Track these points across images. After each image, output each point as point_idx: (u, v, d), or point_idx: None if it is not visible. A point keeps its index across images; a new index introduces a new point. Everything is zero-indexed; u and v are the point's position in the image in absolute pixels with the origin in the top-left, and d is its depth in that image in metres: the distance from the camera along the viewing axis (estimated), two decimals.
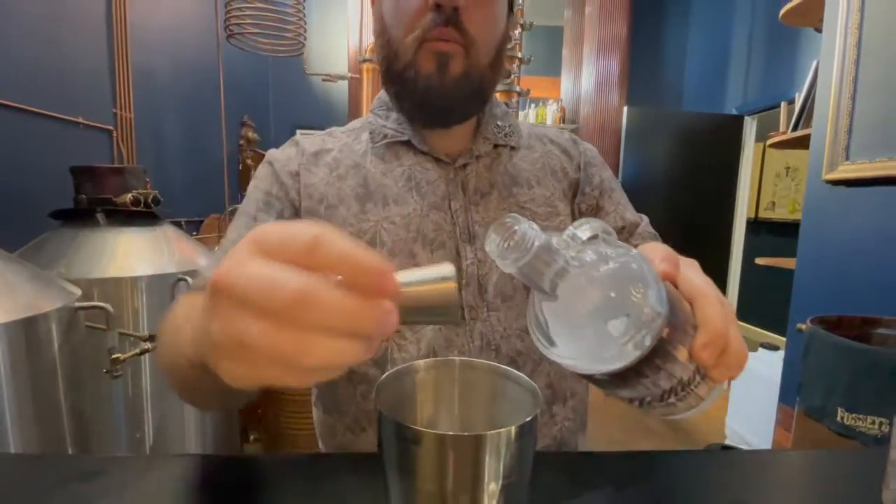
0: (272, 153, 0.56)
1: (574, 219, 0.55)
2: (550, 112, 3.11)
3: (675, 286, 0.27)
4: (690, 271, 0.28)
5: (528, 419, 0.20)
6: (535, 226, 0.23)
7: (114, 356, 0.86)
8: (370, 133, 0.55)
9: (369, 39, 2.62)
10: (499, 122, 0.56)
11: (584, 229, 0.25)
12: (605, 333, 0.23)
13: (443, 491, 0.19)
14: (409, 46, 0.46)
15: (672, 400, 0.25)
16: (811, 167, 1.35)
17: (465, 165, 0.53)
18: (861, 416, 0.89)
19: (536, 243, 0.22)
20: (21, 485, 0.37)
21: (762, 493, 0.37)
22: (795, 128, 1.46)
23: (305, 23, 1.86)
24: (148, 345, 0.96)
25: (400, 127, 0.53)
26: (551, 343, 0.25)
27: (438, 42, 0.45)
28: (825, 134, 1.30)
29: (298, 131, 2.94)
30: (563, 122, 3.00)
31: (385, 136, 0.54)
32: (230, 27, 1.73)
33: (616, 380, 0.25)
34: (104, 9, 1.58)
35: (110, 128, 1.60)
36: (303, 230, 0.18)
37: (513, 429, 0.20)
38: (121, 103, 1.66)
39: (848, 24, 1.25)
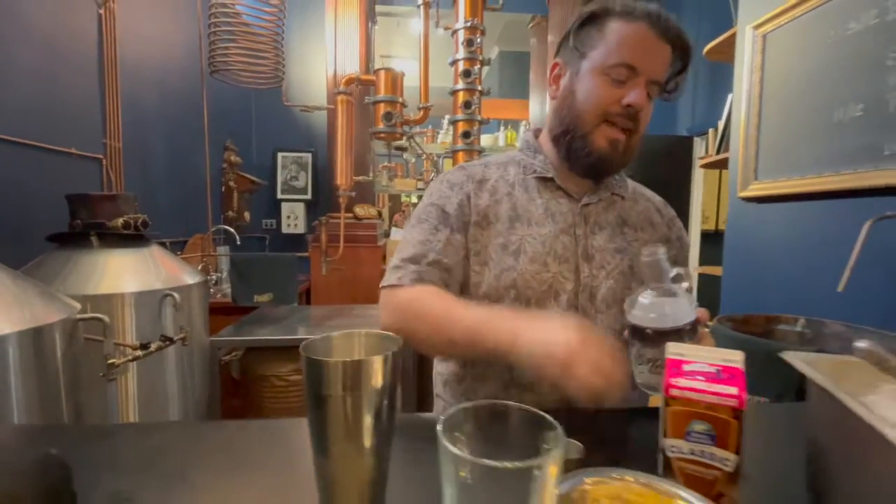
0: (449, 177, 0.77)
1: None
2: (520, 134, 3.31)
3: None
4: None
5: (391, 353, 0.35)
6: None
7: (110, 361, 0.97)
8: (522, 167, 0.76)
9: (344, 72, 2.80)
10: (616, 177, 0.77)
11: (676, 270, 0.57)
12: (667, 313, 0.54)
13: (339, 400, 0.33)
14: (593, 121, 0.68)
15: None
16: (730, 185, 1.55)
17: (588, 204, 0.73)
18: (758, 399, 1.04)
19: (665, 258, 0.56)
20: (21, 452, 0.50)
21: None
22: (718, 151, 1.65)
23: (284, 58, 2.02)
24: (139, 353, 1.07)
25: (544, 166, 0.75)
26: (637, 310, 0.56)
27: (618, 128, 0.67)
28: (738, 157, 1.49)
29: (279, 154, 3.08)
30: None
31: (535, 171, 0.75)
32: (214, 63, 1.88)
33: (654, 338, 0.53)
34: (96, 48, 1.72)
35: (100, 156, 1.73)
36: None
37: (377, 359, 0.34)
38: (110, 133, 1.78)
39: (752, 63, 1.45)
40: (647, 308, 0.56)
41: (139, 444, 0.52)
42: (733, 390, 0.39)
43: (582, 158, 0.70)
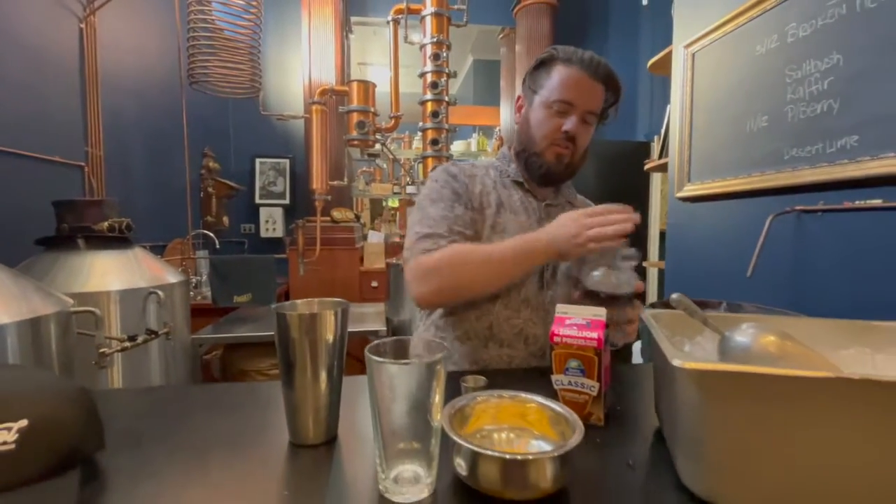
0: (449, 168, 0.94)
1: None
2: (491, 140, 3.47)
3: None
4: None
5: (341, 309, 0.48)
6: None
7: (101, 350, 1.06)
8: (498, 172, 0.96)
9: (321, 80, 2.91)
10: (568, 189, 1.01)
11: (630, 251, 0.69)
12: (616, 283, 0.67)
13: (299, 342, 0.46)
14: (543, 144, 0.87)
15: (616, 331, 0.64)
16: (670, 187, 1.72)
17: (550, 204, 0.94)
18: None
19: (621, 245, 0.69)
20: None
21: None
22: (660, 155, 1.83)
23: (260, 69, 2.12)
24: (127, 344, 1.16)
25: (516, 173, 0.94)
26: (593, 278, 0.69)
27: (561, 147, 0.87)
28: (675, 161, 1.66)
29: (258, 160, 3.16)
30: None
31: (509, 176, 0.94)
32: (193, 74, 1.97)
33: (605, 301, 0.64)
34: (77, 60, 1.80)
35: (82, 164, 1.80)
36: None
37: (328, 312, 0.47)
38: (92, 142, 1.86)
39: (684, 78, 1.63)
40: (602, 277, 0.70)
41: (142, 397, 0.64)
42: (595, 335, 0.53)
43: (536, 170, 0.90)
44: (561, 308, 0.58)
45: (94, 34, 1.86)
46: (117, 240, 1.44)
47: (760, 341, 0.45)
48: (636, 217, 0.69)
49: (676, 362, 0.37)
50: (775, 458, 0.36)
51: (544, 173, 0.89)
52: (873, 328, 0.54)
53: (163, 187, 2.46)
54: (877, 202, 1.03)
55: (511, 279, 0.81)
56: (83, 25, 1.82)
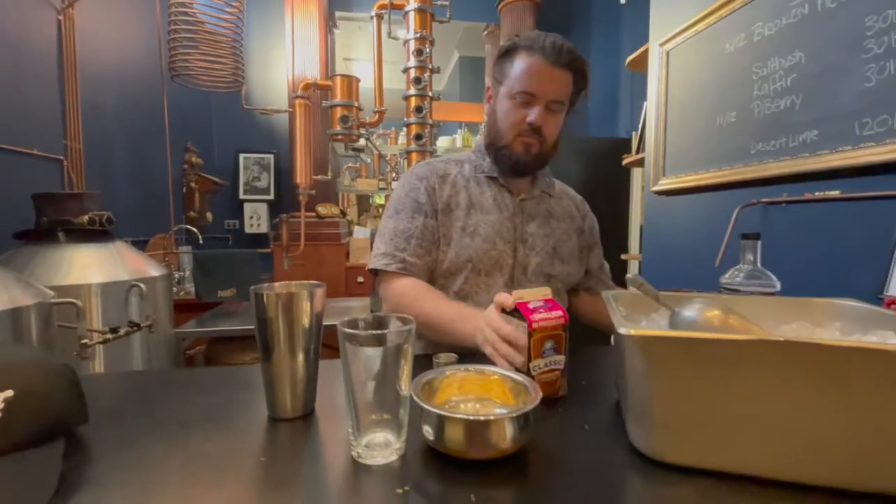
0: (417, 171, 0.94)
1: (580, 245, 0.99)
2: (476, 137, 3.50)
3: None
4: None
5: (316, 289, 0.50)
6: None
7: (83, 341, 1.07)
8: (472, 167, 0.95)
9: (305, 75, 2.90)
10: (546, 179, 0.98)
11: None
12: None
13: (276, 320, 0.48)
14: (509, 136, 0.86)
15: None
16: (646, 181, 1.77)
17: (524, 199, 0.93)
18: None
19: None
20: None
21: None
22: (637, 151, 1.88)
23: (243, 63, 2.12)
24: (109, 335, 1.17)
25: (490, 168, 0.93)
26: None
27: (527, 139, 0.85)
28: (651, 156, 1.71)
29: (241, 155, 3.15)
30: None
31: (483, 171, 0.93)
32: (174, 67, 1.96)
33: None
34: (55, 53, 1.78)
35: (61, 157, 1.78)
36: (507, 328, 0.60)
37: (304, 292, 0.49)
38: (71, 135, 1.84)
39: (660, 75, 1.68)
40: None
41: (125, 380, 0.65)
42: (560, 312, 0.56)
43: (506, 161, 0.90)
44: (516, 294, 0.61)
45: (73, 26, 1.84)
46: (98, 233, 1.43)
47: (706, 315, 0.48)
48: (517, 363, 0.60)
49: (623, 330, 0.40)
50: (711, 417, 0.39)
51: (514, 165, 0.89)
52: (814, 304, 0.58)
53: (144, 182, 2.44)
54: (835, 193, 1.08)
55: (446, 339, 0.77)
56: (61, 17, 1.80)
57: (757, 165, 1.27)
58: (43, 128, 1.71)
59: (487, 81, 0.94)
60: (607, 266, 1.07)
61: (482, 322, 0.66)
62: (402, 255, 0.87)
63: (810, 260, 1.14)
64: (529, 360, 0.57)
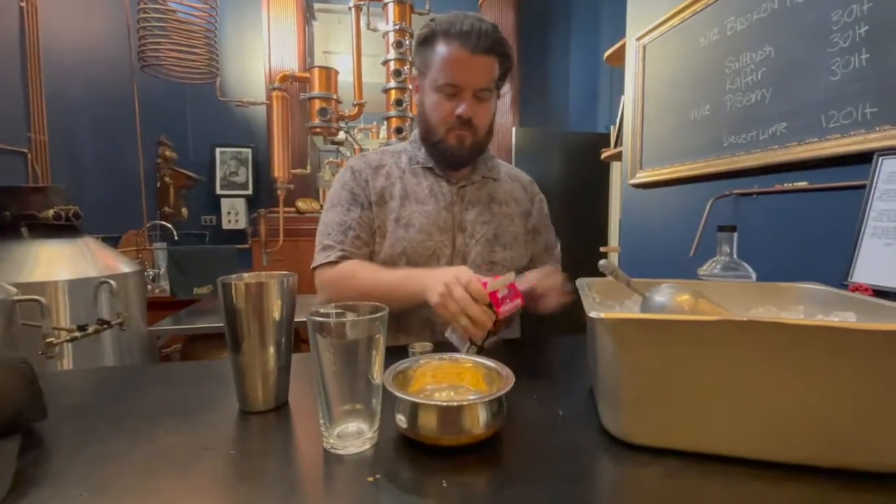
0: (351, 164, 0.91)
1: (525, 229, 0.96)
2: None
3: None
4: None
5: (287, 279, 0.49)
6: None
7: (48, 340, 1.03)
8: (409, 158, 0.92)
9: (282, 67, 2.85)
10: (488, 163, 0.95)
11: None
12: None
13: (245, 311, 0.47)
14: (441, 130, 0.84)
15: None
16: (623, 174, 1.79)
17: (463, 186, 0.90)
18: None
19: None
20: None
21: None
22: (615, 145, 1.90)
23: (217, 53, 2.07)
24: (77, 333, 1.13)
25: (427, 158, 0.91)
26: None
27: (459, 131, 0.83)
28: (628, 150, 1.74)
29: (218, 149, 3.08)
30: None
31: (419, 162, 0.91)
32: (144, 57, 1.90)
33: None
34: (17, 42, 1.70)
35: (25, 150, 1.71)
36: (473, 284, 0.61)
37: (274, 282, 0.48)
38: (35, 127, 1.77)
39: (636, 70, 1.70)
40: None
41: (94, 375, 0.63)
42: (519, 300, 0.60)
43: (439, 155, 0.88)
44: (490, 286, 0.63)
45: (36, 13, 1.77)
46: (64, 228, 1.38)
47: (676, 300, 0.49)
48: (484, 328, 0.62)
49: (594, 314, 0.40)
50: (679, 398, 0.40)
51: (449, 158, 0.87)
52: (780, 289, 0.59)
53: (115, 176, 2.37)
54: (803, 184, 1.11)
55: (391, 306, 0.77)
56: (23, 4, 1.72)
57: (730, 158, 1.29)
58: (5, 119, 1.64)
59: (413, 70, 0.91)
60: (558, 248, 1.04)
61: (448, 277, 0.65)
62: (340, 247, 0.84)
63: (780, 249, 1.18)
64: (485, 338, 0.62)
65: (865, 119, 0.94)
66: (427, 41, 0.81)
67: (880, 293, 0.85)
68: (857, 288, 0.89)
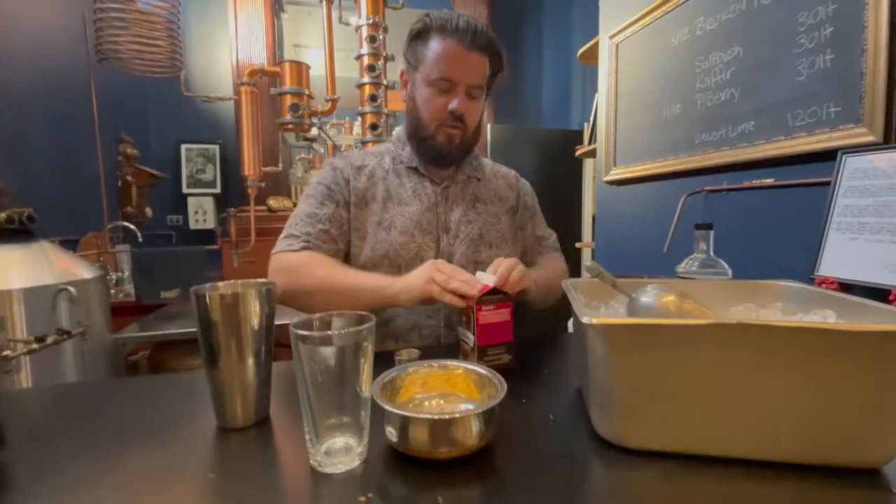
0: (333, 162, 0.88)
1: (513, 226, 0.96)
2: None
3: None
4: None
5: (265, 288, 0.47)
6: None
7: (3, 354, 0.96)
8: (392, 158, 0.90)
9: (251, 61, 2.76)
10: (472, 163, 0.94)
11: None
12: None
13: (221, 323, 0.45)
14: (432, 125, 0.82)
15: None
16: (597, 171, 1.82)
17: (447, 186, 0.88)
18: None
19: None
20: None
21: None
22: (589, 142, 1.93)
23: (181, 46, 1.98)
24: (35, 346, 1.06)
25: (410, 157, 0.89)
26: None
27: (450, 128, 0.82)
28: (602, 147, 1.76)
29: (183, 146, 2.96)
30: None
31: (402, 162, 0.89)
32: (102, 50, 1.79)
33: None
34: None
35: None
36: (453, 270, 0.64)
37: (251, 291, 0.46)
38: None
39: (610, 68, 1.72)
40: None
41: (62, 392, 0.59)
42: (502, 295, 0.60)
43: (428, 152, 0.86)
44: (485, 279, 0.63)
45: None
46: (17, 232, 1.29)
47: (662, 300, 0.49)
48: (470, 296, 0.63)
49: (585, 319, 0.40)
50: (670, 401, 0.40)
51: (437, 156, 0.86)
52: (759, 287, 0.61)
53: (72, 176, 2.24)
54: (770, 181, 1.15)
55: (352, 304, 0.72)
56: None
57: (701, 155, 1.33)
58: None
59: (401, 65, 0.88)
60: (553, 237, 1.04)
61: (428, 264, 0.69)
62: (306, 237, 0.81)
63: (749, 244, 1.21)
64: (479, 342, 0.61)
65: (830, 118, 0.98)
66: (421, 36, 0.81)
67: (845, 286, 0.88)
68: (824, 281, 0.93)
